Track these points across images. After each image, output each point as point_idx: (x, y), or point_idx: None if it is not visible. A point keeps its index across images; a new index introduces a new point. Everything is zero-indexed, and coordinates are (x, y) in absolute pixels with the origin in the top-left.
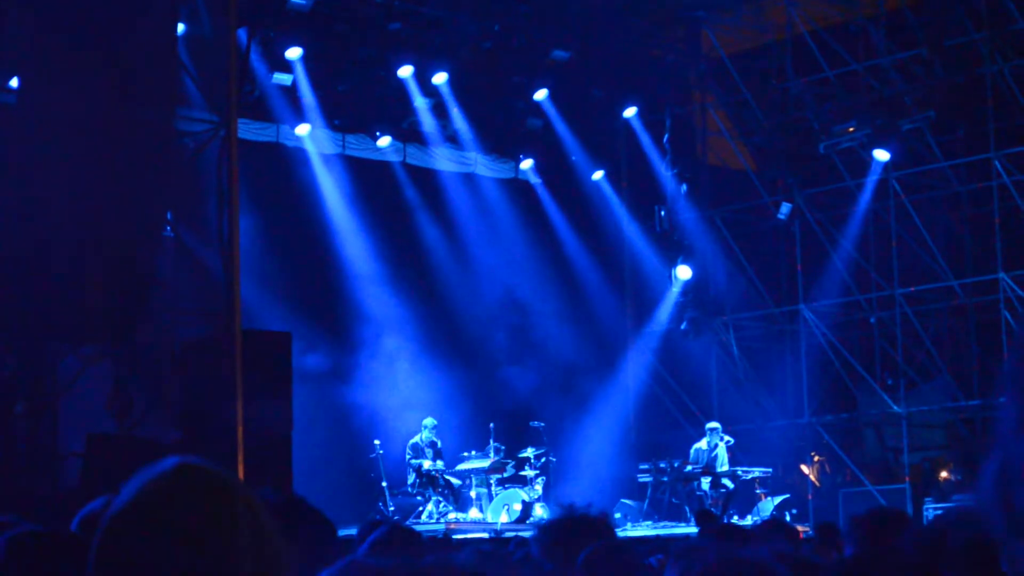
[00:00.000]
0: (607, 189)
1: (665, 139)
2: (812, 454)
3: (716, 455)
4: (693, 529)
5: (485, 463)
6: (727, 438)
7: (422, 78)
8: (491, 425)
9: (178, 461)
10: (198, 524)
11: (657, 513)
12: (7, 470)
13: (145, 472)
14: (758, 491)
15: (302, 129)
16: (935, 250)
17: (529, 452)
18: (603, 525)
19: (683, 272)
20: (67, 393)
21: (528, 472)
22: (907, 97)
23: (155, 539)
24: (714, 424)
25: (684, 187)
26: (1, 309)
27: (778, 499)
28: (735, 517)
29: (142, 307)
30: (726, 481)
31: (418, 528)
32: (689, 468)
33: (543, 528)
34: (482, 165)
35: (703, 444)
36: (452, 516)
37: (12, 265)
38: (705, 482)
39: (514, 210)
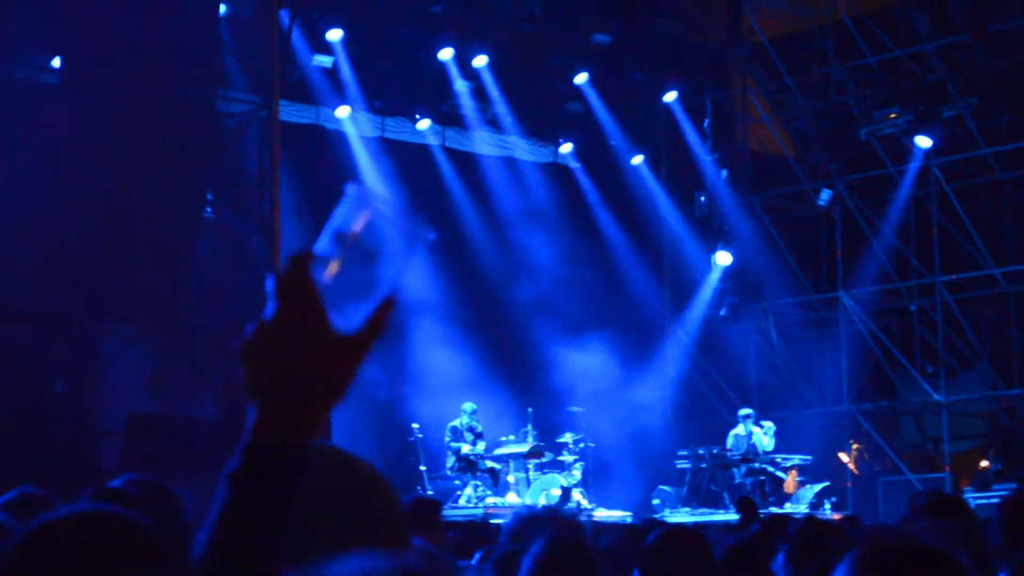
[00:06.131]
0: (647, 174)
1: (705, 124)
2: (851, 442)
3: (753, 442)
4: (732, 516)
5: (523, 448)
6: (767, 424)
7: (462, 61)
8: (529, 410)
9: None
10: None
11: (695, 499)
12: (48, 448)
13: None
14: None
15: (342, 111)
16: (976, 238)
17: (567, 437)
18: (570, 521)
19: (722, 258)
20: (108, 372)
21: (566, 457)
22: (949, 83)
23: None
24: (746, 411)
25: (724, 172)
26: (42, 289)
27: (818, 487)
28: (772, 506)
29: (182, 288)
30: (769, 468)
31: (456, 512)
32: (733, 455)
33: (514, 519)
34: (521, 149)
35: (740, 430)
36: (490, 500)
37: (53, 245)
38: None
39: (553, 194)
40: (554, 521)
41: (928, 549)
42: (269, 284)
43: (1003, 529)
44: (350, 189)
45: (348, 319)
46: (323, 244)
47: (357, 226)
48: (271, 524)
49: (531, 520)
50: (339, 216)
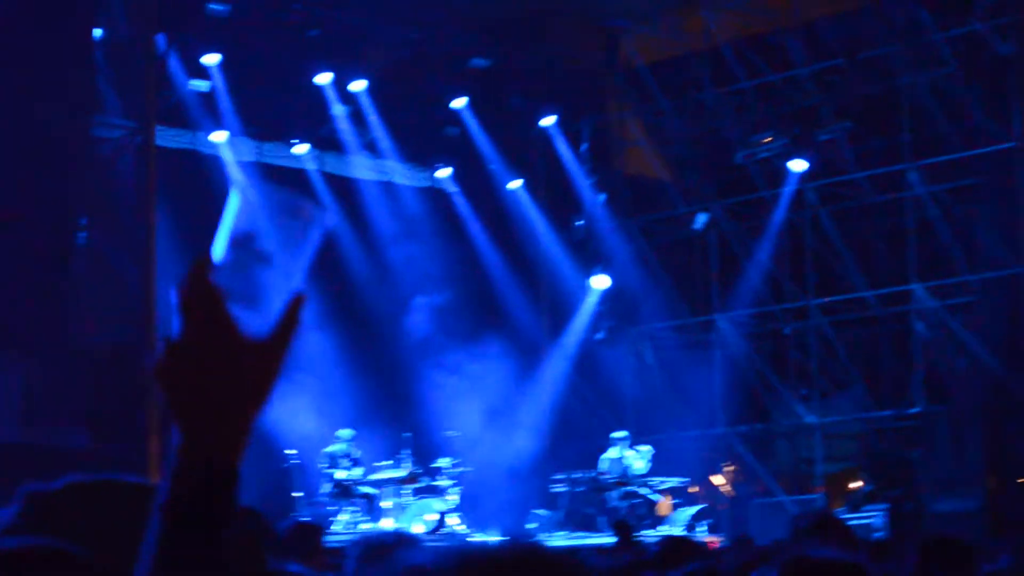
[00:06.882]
0: (524, 198)
1: (583, 148)
2: (723, 464)
3: (627, 465)
4: (609, 539)
5: (399, 473)
6: (643, 448)
7: (340, 85)
8: (406, 435)
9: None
10: None
11: (571, 523)
12: None
13: None
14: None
15: (218, 136)
16: (849, 261)
17: (444, 462)
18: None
19: (600, 281)
20: None
21: (443, 482)
22: (824, 108)
23: None
24: (620, 433)
25: (602, 196)
26: None
27: (692, 509)
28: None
29: (55, 313)
30: (643, 491)
31: (331, 539)
32: (607, 479)
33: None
34: (400, 173)
35: (613, 453)
36: (365, 527)
37: None
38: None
39: (432, 219)
40: (401, 547)
41: (846, 563)
42: (172, 298)
43: (919, 558)
44: (235, 189)
45: (259, 321)
46: (220, 250)
47: (250, 225)
48: (213, 547)
49: (378, 546)
50: (230, 218)
